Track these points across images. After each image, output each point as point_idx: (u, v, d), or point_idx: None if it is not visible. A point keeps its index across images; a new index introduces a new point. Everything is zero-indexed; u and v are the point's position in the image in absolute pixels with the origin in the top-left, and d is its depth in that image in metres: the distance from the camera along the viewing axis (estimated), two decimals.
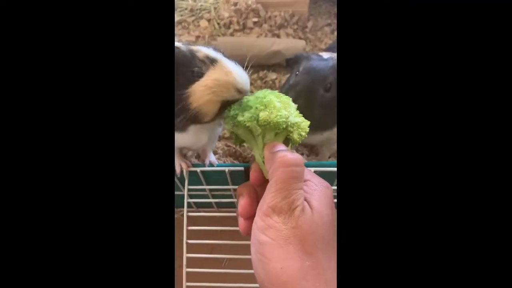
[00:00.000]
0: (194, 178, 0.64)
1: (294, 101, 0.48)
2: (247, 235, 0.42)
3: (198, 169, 0.62)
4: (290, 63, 0.72)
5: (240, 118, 0.43)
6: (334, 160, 0.70)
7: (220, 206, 0.77)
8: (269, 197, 0.38)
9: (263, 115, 0.41)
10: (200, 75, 0.47)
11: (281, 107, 0.42)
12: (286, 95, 0.53)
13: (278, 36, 1.02)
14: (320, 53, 0.70)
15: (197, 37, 1.06)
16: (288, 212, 0.37)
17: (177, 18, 1.09)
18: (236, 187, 0.66)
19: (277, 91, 0.49)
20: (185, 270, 0.63)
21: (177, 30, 1.08)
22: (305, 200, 0.38)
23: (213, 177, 0.65)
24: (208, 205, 0.76)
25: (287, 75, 0.96)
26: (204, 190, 0.68)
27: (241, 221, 0.43)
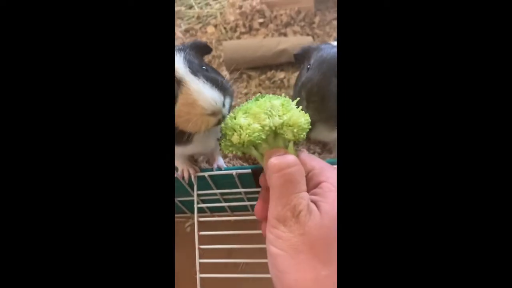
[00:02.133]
0: (203, 183, 0.64)
1: (308, 99, 0.46)
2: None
3: (206, 174, 0.62)
4: (299, 58, 0.68)
5: (222, 146, 0.44)
6: None
7: (233, 210, 0.77)
8: (271, 208, 0.37)
9: (234, 139, 0.41)
10: (174, 96, 0.46)
11: (252, 120, 0.41)
12: (299, 94, 0.51)
13: (285, 34, 1.01)
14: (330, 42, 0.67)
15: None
16: (293, 219, 0.35)
17: (184, 26, 1.10)
18: (247, 190, 0.65)
19: (266, 94, 0.48)
20: (198, 276, 0.62)
21: (185, 38, 1.09)
22: (314, 203, 0.36)
23: (221, 181, 0.64)
24: (222, 210, 0.76)
25: (296, 73, 0.95)
26: (215, 194, 0.67)
27: (262, 224, 0.42)
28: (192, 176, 0.62)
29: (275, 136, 0.41)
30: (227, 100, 0.46)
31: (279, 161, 0.37)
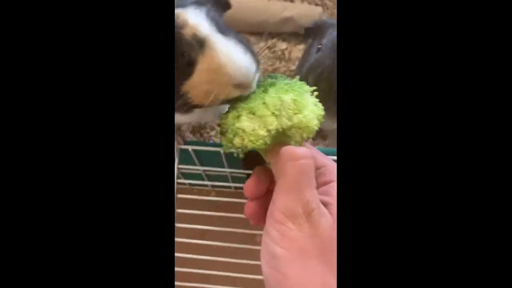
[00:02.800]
0: (186, 156, 0.58)
1: (316, 85, 0.40)
2: (250, 217, 0.38)
3: (190, 147, 0.56)
4: (309, 32, 0.60)
5: (223, 147, 0.39)
6: None
7: (215, 187, 0.72)
8: (279, 201, 0.32)
9: (236, 143, 0.36)
10: (191, 64, 0.36)
11: (257, 124, 0.35)
12: (305, 79, 0.44)
13: (292, 0, 0.92)
14: None
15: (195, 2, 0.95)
16: (304, 216, 0.31)
17: None
18: (233, 170, 0.59)
19: (281, 75, 0.41)
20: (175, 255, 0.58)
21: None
22: (325, 204, 0.33)
23: (206, 157, 0.58)
24: (202, 186, 0.71)
25: (299, 46, 0.87)
26: (198, 170, 0.62)
27: (247, 203, 0.38)
28: (175, 148, 0.55)
29: (281, 135, 0.36)
30: (257, 74, 0.38)
31: (296, 150, 0.33)
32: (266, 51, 0.78)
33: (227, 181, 0.65)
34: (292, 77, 0.41)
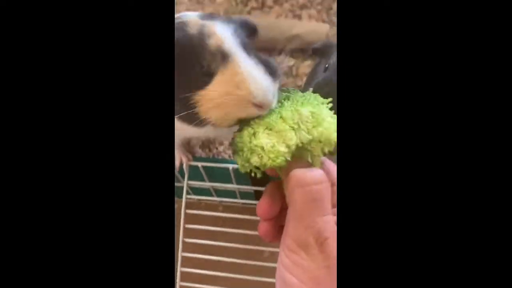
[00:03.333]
0: (195, 172, 0.59)
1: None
2: (264, 236, 0.37)
3: (200, 164, 0.57)
4: (317, 52, 0.62)
5: (239, 166, 0.36)
6: None
7: (224, 204, 0.72)
8: (290, 228, 0.31)
9: (254, 161, 0.34)
10: (210, 74, 0.36)
11: (276, 140, 0.33)
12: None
13: (299, 17, 0.94)
14: None
15: (211, 13, 0.98)
16: (316, 246, 0.30)
17: None
18: (241, 186, 0.60)
19: (294, 88, 0.40)
20: (179, 269, 0.59)
21: (191, 5, 1.00)
22: None
23: (215, 173, 0.59)
24: (211, 203, 0.71)
25: (307, 62, 0.89)
26: (207, 185, 0.63)
27: (260, 223, 0.37)
28: (184, 165, 0.56)
29: (300, 149, 0.34)
30: (276, 95, 0.38)
31: (304, 175, 0.32)
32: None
33: (235, 197, 0.66)
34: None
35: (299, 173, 0.32)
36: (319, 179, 0.32)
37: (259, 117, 0.36)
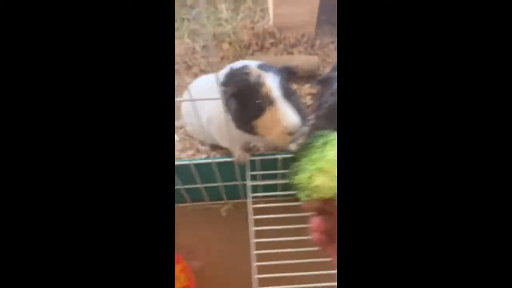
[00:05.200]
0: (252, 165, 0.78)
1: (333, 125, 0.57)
2: (316, 244, 0.41)
3: (256, 158, 0.77)
4: (321, 82, 0.83)
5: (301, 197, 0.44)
6: None
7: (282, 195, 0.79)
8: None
9: (315, 196, 0.42)
10: (262, 109, 0.57)
11: (328, 180, 0.42)
12: (329, 117, 0.63)
13: (292, 53, 1.21)
14: None
15: (222, 58, 1.23)
16: None
17: (202, 43, 1.26)
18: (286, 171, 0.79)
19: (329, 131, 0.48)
20: (254, 264, 0.66)
21: (203, 53, 1.24)
22: None
23: (266, 165, 0.80)
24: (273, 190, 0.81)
25: (306, 86, 1.15)
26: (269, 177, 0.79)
27: (315, 234, 0.41)
28: (246, 161, 0.77)
29: None
30: (303, 128, 0.59)
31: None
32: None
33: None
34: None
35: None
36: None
37: (308, 158, 0.44)
